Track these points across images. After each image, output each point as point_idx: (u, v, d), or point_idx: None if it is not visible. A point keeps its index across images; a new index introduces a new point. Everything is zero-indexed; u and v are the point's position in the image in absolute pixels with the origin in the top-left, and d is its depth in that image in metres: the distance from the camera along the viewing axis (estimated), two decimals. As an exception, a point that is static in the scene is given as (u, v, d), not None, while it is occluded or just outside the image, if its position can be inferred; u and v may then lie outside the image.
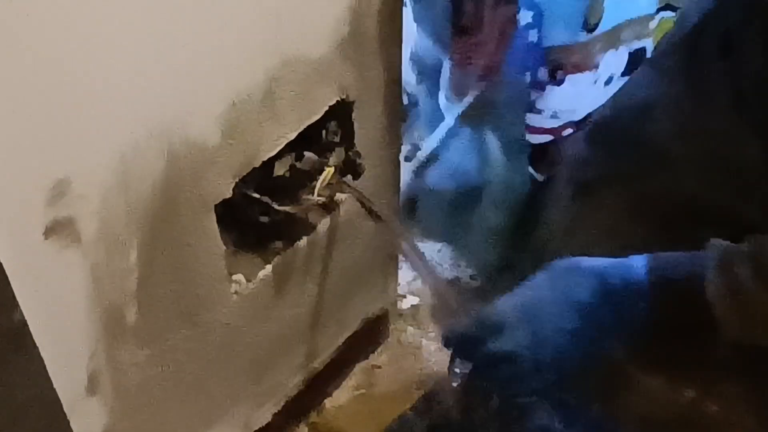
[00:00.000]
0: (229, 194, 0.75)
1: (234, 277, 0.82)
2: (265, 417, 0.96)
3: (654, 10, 1.09)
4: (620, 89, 1.04)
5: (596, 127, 0.99)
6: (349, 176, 0.86)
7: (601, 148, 0.98)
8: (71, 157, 0.61)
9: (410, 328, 1.10)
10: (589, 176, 0.97)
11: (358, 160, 0.86)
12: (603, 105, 1.04)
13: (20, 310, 0.61)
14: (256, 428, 0.95)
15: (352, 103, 0.83)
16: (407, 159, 1.23)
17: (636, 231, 0.97)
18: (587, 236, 0.99)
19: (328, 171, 0.83)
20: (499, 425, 0.98)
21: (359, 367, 1.06)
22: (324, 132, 0.83)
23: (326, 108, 0.80)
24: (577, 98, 1.13)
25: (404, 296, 1.15)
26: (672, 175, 0.91)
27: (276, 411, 0.97)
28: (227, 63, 0.69)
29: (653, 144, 0.93)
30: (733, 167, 0.88)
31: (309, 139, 0.81)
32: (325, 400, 1.04)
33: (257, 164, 0.77)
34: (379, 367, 1.05)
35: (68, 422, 0.70)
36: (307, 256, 0.88)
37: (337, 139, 0.84)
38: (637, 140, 0.94)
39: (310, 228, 0.86)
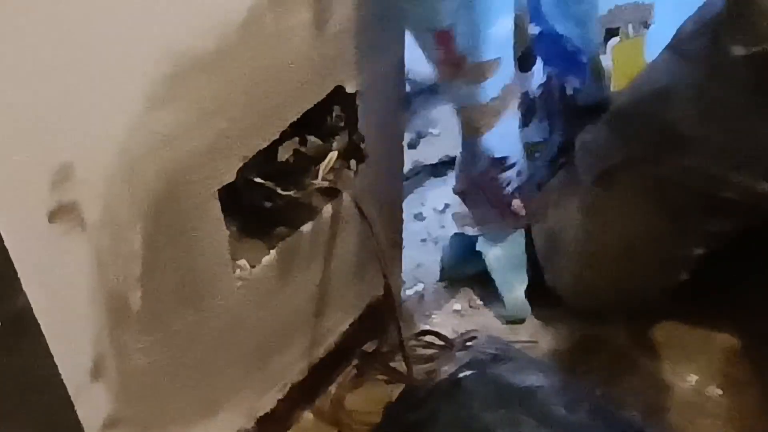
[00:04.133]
0: (233, 179, 0.75)
1: (238, 262, 0.82)
2: (270, 403, 0.97)
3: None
4: (640, 75, 1.02)
5: (616, 114, 0.98)
6: (353, 161, 0.86)
7: (620, 134, 0.98)
8: (75, 141, 0.61)
9: (416, 315, 1.10)
10: (609, 163, 0.97)
11: (362, 145, 0.86)
12: (622, 92, 1.02)
13: (25, 295, 0.61)
14: (261, 414, 0.96)
15: (360, 92, 0.83)
16: (411, 146, 1.23)
17: (651, 220, 0.98)
18: (605, 221, 0.99)
19: (332, 156, 0.83)
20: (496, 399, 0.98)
21: (359, 353, 1.07)
22: (328, 117, 0.83)
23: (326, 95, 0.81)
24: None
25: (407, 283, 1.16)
26: (693, 160, 0.90)
27: (281, 397, 0.98)
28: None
29: (674, 129, 0.92)
30: (755, 151, 0.88)
31: (313, 123, 0.81)
32: (330, 386, 1.04)
33: (261, 149, 0.77)
34: (384, 351, 1.04)
35: (73, 407, 0.70)
36: (311, 242, 0.88)
37: (341, 124, 0.84)
38: (658, 125, 0.94)
39: (314, 213, 0.86)
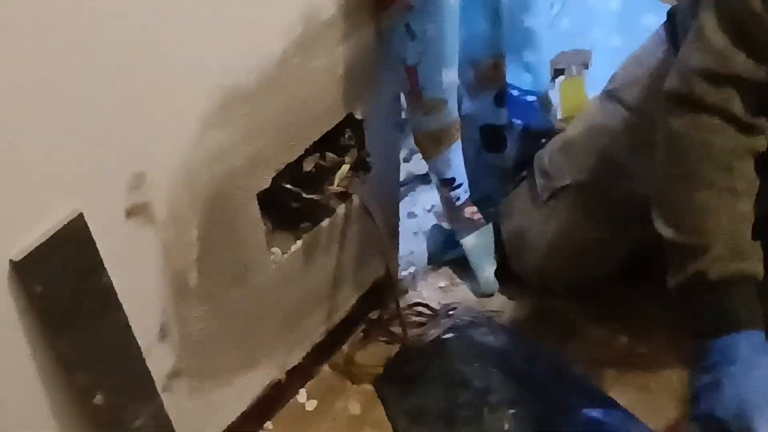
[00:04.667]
0: (268, 185, 0.75)
1: (272, 249, 0.82)
2: (296, 358, 0.96)
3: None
4: (584, 112, 1.00)
5: (565, 144, 0.97)
6: (361, 172, 0.85)
7: (570, 161, 0.95)
8: (146, 155, 0.61)
9: (409, 290, 1.09)
10: (561, 184, 0.95)
11: (368, 159, 0.85)
12: (570, 124, 1.01)
13: (107, 275, 0.61)
14: (290, 367, 0.95)
15: (365, 119, 0.83)
16: (405, 160, 1.22)
17: (596, 227, 0.96)
18: (560, 226, 0.97)
19: (345, 167, 0.83)
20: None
21: (366, 320, 1.06)
22: (342, 137, 0.83)
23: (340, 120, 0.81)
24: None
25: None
26: (628, 182, 0.88)
27: (305, 354, 0.97)
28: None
29: (612, 158, 0.91)
30: None
31: (330, 142, 0.81)
32: (343, 346, 1.04)
33: (289, 162, 0.77)
34: (385, 318, 1.05)
35: (145, 362, 0.70)
36: (328, 234, 0.88)
37: (352, 143, 0.84)
38: (599, 155, 0.92)
39: (330, 212, 0.85)
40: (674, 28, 0.83)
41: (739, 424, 0.59)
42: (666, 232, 0.67)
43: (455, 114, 0.88)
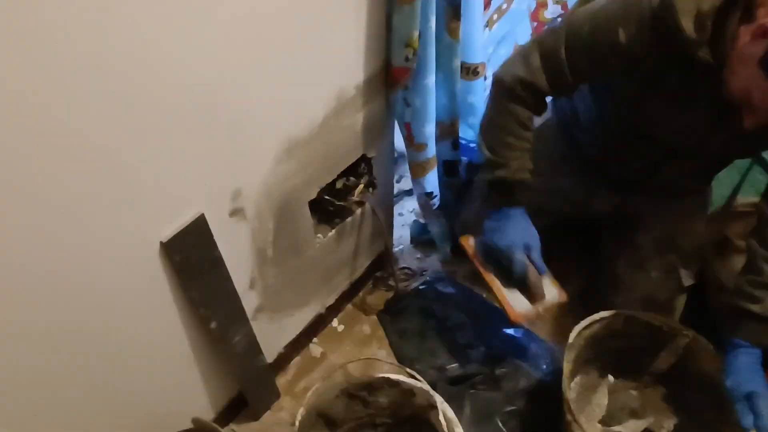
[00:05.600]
0: (314, 197, 0.75)
1: (317, 235, 0.82)
2: (332, 300, 0.96)
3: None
4: None
5: None
6: (371, 188, 0.85)
7: None
8: (242, 178, 0.62)
9: (399, 259, 1.08)
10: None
11: (376, 180, 0.85)
12: None
13: (218, 250, 0.61)
14: (328, 305, 0.95)
15: (373, 157, 0.83)
16: (397, 181, 1.22)
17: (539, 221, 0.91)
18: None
19: (361, 185, 0.82)
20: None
21: (374, 277, 1.05)
22: (359, 168, 0.82)
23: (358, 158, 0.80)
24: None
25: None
26: (543, 196, 0.82)
27: (336, 297, 0.97)
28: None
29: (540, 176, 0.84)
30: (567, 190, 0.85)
31: (352, 170, 0.81)
32: (360, 292, 1.03)
33: (328, 183, 0.77)
34: (385, 276, 1.04)
35: (241, 302, 0.70)
36: (351, 226, 0.87)
37: (365, 171, 0.83)
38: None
39: (352, 213, 0.85)
40: None
41: (506, 249, 0.70)
42: (485, 151, 0.72)
43: (433, 152, 0.87)
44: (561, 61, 0.63)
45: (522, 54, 0.67)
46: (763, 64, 0.49)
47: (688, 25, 0.53)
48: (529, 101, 0.68)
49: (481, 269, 0.75)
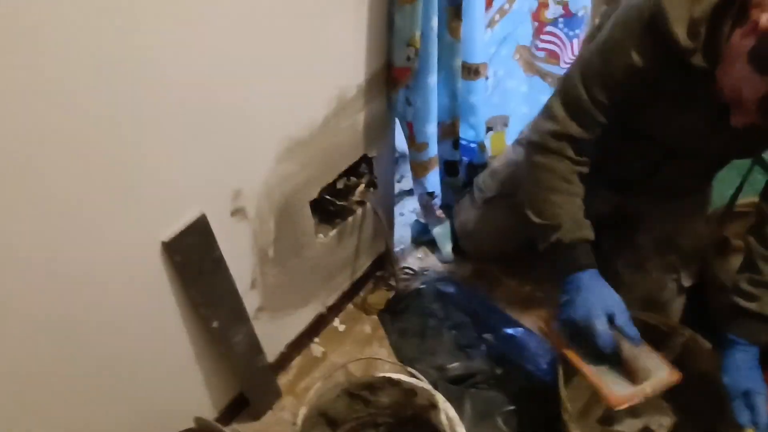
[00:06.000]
0: (315, 197, 0.75)
1: (318, 235, 0.81)
2: (332, 300, 0.95)
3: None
4: (503, 152, 0.97)
5: (492, 172, 0.95)
6: (371, 188, 0.84)
7: (496, 181, 0.93)
8: (243, 178, 0.61)
9: (400, 259, 1.08)
10: (490, 195, 0.93)
11: (377, 180, 0.85)
12: (496, 158, 0.98)
13: (219, 250, 0.61)
14: (328, 305, 0.95)
15: (374, 157, 0.83)
16: (397, 181, 1.21)
17: (509, 220, 0.92)
18: (486, 220, 0.95)
19: (361, 185, 0.82)
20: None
21: (375, 276, 1.04)
22: (360, 167, 0.82)
23: (359, 158, 0.80)
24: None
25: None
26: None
27: (337, 297, 0.96)
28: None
29: (519, 181, 0.86)
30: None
31: (353, 170, 0.81)
32: (361, 292, 1.02)
33: (329, 183, 0.76)
34: (384, 277, 1.04)
35: (242, 302, 0.69)
36: (352, 226, 0.87)
37: (366, 171, 0.83)
38: (512, 179, 0.89)
39: (353, 212, 0.85)
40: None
41: (585, 322, 0.62)
42: (534, 218, 0.69)
43: (434, 152, 0.87)
44: (584, 102, 0.63)
45: (544, 111, 0.68)
46: (752, 57, 0.48)
47: (681, 32, 0.53)
48: (566, 153, 0.66)
49: (567, 354, 0.65)
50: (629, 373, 0.62)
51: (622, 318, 0.61)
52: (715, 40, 0.53)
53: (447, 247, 1.04)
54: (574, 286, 0.64)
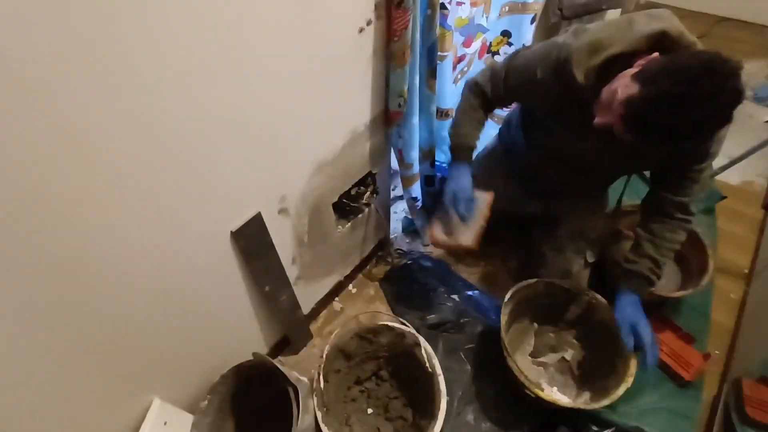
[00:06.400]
0: (335, 200, 0.74)
1: (338, 227, 0.80)
2: (348, 271, 0.94)
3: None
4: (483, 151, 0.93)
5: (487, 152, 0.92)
6: (375, 194, 0.83)
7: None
8: (287, 186, 0.60)
9: (393, 243, 1.05)
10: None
11: (378, 188, 0.84)
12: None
13: (270, 237, 0.60)
14: (346, 274, 0.93)
15: (377, 172, 0.82)
16: (392, 189, 1.19)
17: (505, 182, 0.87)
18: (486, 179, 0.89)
19: (368, 192, 0.81)
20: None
21: (377, 255, 1.02)
22: (367, 180, 0.81)
23: (366, 173, 0.79)
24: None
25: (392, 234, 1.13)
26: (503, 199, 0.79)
27: (351, 269, 0.95)
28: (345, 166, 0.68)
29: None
30: (514, 194, 0.84)
31: (362, 182, 0.80)
32: (368, 266, 1.00)
33: (345, 190, 0.76)
34: (383, 256, 1.01)
35: (286, 273, 0.69)
36: (361, 221, 0.86)
37: (371, 182, 0.82)
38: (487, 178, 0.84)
39: (361, 211, 0.83)
40: None
41: (444, 197, 0.67)
42: (449, 131, 0.70)
43: (417, 170, 0.86)
44: (500, 80, 0.65)
45: (483, 70, 0.70)
46: (636, 75, 0.45)
47: (579, 75, 0.53)
48: (479, 96, 0.69)
49: (434, 238, 0.70)
50: (450, 231, 0.69)
51: (463, 195, 0.66)
52: (604, 81, 0.51)
53: (425, 235, 1.02)
54: (449, 174, 0.68)
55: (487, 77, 0.67)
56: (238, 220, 0.54)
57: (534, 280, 0.76)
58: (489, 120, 0.76)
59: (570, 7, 1.00)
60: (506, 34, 0.95)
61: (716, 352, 0.80)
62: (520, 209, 0.87)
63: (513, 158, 0.82)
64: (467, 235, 0.69)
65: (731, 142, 0.93)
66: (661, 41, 0.48)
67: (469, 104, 0.69)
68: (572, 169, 0.71)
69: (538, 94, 0.61)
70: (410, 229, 1.09)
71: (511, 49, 0.97)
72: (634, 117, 0.46)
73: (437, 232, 0.70)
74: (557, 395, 0.73)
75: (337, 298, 0.94)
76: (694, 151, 0.56)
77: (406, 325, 0.69)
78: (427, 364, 0.65)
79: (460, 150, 0.70)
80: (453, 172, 0.69)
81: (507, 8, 0.89)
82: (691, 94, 0.42)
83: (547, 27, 1.04)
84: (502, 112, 1.02)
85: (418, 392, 0.71)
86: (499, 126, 0.88)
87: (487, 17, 0.88)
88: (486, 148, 0.90)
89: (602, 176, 0.74)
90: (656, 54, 0.47)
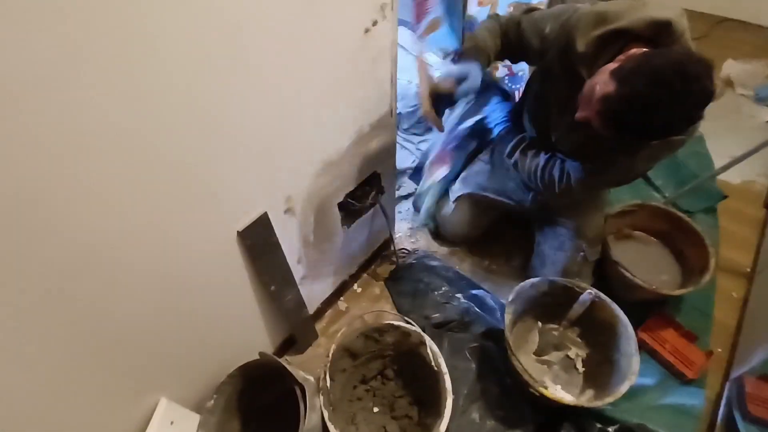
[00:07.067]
0: (341, 200, 0.74)
1: (343, 226, 0.80)
2: (353, 271, 0.94)
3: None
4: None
5: (462, 177, 0.93)
6: (379, 194, 0.83)
7: (464, 185, 0.90)
8: (293, 187, 0.60)
9: (398, 243, 1.05)
10: (459, 195, 0.91)
11: (383, 188, 0.83)
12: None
13: (276, 237, 0.60)
14: (351, 274, 0.93)
15: (382, 172, 0.81)
16: (397, 189, 1.19)
17: (473, 211, 0.90)
18: (458, 215, 0.93)
19: (373, 192, 0.81)
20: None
21: (381, 255, 1.02)
22: (372, 180, 0.81)
23: (371, 173, 0.79)
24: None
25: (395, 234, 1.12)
26: (487, 195, 0.84)
27: (356, 269, 0.95)
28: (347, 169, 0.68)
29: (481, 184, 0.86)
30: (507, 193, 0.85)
31: (367, 182, 0.79)
32: (372, 265, 1.00)
33: (351, 190, 0.75)
34: (388, 255, 1.01)
35: (291, 273, 0.69)
36: (366, 220, 0.86)
37: (376, 182, 0.82)
38: (476, 181, 0.87)
39: (367, 211, 0.83)
40: None
41: (448, 73, 0.62)
42: (465, 42, 0.66)
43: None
44: (514, 23, 0.65)
45: (507, 12, 0.71)
46: (613, 72, 0.46)
47: (581, 41, 0.53)
48: (499, 24, 0.67)
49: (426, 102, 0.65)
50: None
51: (471, 90, 0.62)
52: (599, 59, 0.52)
53: (427, 203, 0.99)
54: (460, 61, 0.64)
55: (506, 18, 0.67)
56: (245, 220, 0.54)
57: (537, 278, 0.76)
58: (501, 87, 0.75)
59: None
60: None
61: (718, 350, 0.80)
62: (521, 207, 0.87)
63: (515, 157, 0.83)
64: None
65: (732, 141, 0.92)
66: (664, 32, 0.49)
67: (490, 27, 0.67)
68: (558, 150, 0.71)
69: (540, 49, 0.61)
70: (419, 204, 1.04)
71: None
72: (609, 115, 0.47)
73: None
74: (561, 393, 0.73)
75: (342, 298, 0.94)
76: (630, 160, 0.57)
77: (411, 324, 0.69)
78: (433, 363, 0.65)
79: (473, 49, 0.66)
80: (467, 68, 0.62)
81: (511, 8, 0.90)
82: (662, 96, 0.43)
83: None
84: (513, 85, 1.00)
85: (423, 391, 0.71)
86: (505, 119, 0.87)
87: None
88: (498, 134, 0.89)
89: (573, 157, 0.73)
90: (634, 50, 0.48)
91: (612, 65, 0.48)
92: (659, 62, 0.44)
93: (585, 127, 0.54)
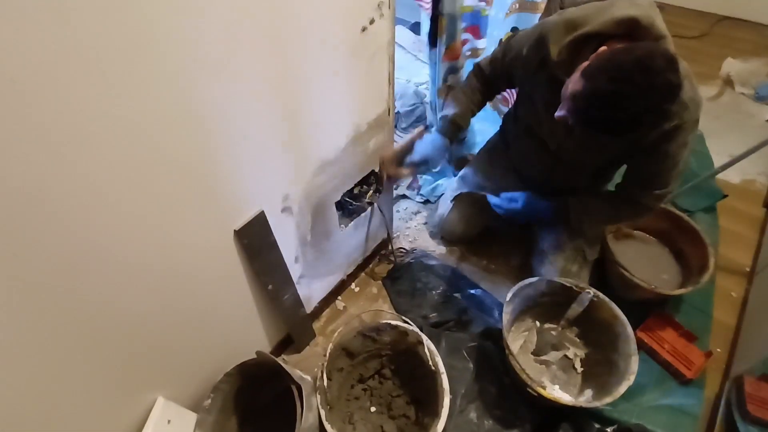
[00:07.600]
0: (338, 199, 0.74)
1: (341, 225, 0.80)
2: (350, 270, 0.94)
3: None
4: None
5: (460, 177, 0.94)
6: (377, 193, 0.83)
7: (462, 185, 0.92)
8: (291, 185, 0.60)
9: (396, 243, 1.05)
10: (457, 194, 0.92)
11: (380, 188, 0.83)
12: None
13: (273, 236, 0.60)
14: (348, 273, 0.93)
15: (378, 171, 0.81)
16: (395, 189, 1.19)
17: (469, 210, 0.92)
18: (455, 214, 0.94)
19: (371, 191, 0.81)
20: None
21: (379, 254, 1.02)
22: (370, 179, 0.80)
23: (368, 172, 0.78)
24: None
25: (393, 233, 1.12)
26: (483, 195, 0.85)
27: (354, 268, 0.95)
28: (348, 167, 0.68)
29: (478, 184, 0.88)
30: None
31: (364, 181, 0.79)
32: (370, 264, 1.00)
33: (348, 189, 0.75)
34: (386, 254, 1.01)
35: (289, 272, 0.68)
36: (364, 219, 0.86)
37: (374, 181, 0.82)
38: (473, 180, 0.89)
39: (364, 210, 0.83)
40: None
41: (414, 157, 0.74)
42: (445, 111, 0.74)
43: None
44: (498, 59, 0.71)
45: (488, 56, 0.74)
46: (583, 71, 0.48)
47: (554, 51, 0.56)
48: (480, 78, 0.74)
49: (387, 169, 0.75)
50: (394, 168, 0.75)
51: (431, 166, 0.73)
52: (571, 62, 0.54)
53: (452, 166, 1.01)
54: (426, 139, 0.73)
55: (489, 59, 0.72)
56: (242, 219, 0.54)
57: (535, 278, 0.76)
58: (494, 112, 0.79)
59: (572, 5, 1.01)
60: (516, 30, 0.97)
61: (718, 350, 0.80)
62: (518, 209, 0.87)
63: (512, 153, 0.83)
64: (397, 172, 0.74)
65: (732, 140, 0.90)
66: (634, 28, 0.50)
67: (468, 85, 0.74)
68: (550, 156, 0.72)
69: (523, 70, 0.65)
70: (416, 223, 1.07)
71: None
72: (578, 111, 0.49)
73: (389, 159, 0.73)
74: (559, 393, 0.73)
75: (339, 297, 0.94)
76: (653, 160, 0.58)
77: (408, 324, 0.69)
78: (430, 362, 0.65)
79: (447, 123, 0.74)
80: (434, 141, 0.73)
81: (516, 5, 0.89)
82: (624, 91, 0.44)
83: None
84: (504, 108, 1.02)
85: (421, 390, 0.71)
86: (502, 120, 0.89)
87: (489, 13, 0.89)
88: (489, 141, 0.90)
89: (579, 167, 0.74)
90: (604, 48, 0.50)
91: (584, 64, 0.50)
92: (623, 58, 0.45)
93: (571, 129, 0.58)
